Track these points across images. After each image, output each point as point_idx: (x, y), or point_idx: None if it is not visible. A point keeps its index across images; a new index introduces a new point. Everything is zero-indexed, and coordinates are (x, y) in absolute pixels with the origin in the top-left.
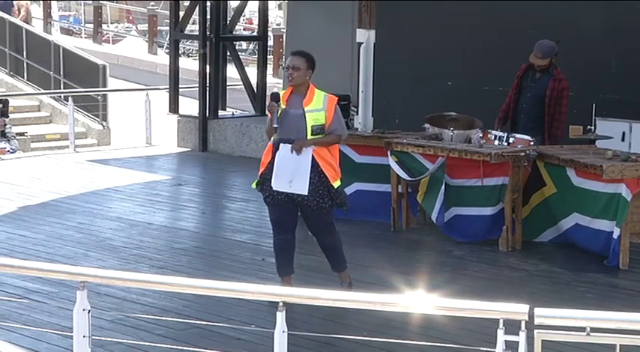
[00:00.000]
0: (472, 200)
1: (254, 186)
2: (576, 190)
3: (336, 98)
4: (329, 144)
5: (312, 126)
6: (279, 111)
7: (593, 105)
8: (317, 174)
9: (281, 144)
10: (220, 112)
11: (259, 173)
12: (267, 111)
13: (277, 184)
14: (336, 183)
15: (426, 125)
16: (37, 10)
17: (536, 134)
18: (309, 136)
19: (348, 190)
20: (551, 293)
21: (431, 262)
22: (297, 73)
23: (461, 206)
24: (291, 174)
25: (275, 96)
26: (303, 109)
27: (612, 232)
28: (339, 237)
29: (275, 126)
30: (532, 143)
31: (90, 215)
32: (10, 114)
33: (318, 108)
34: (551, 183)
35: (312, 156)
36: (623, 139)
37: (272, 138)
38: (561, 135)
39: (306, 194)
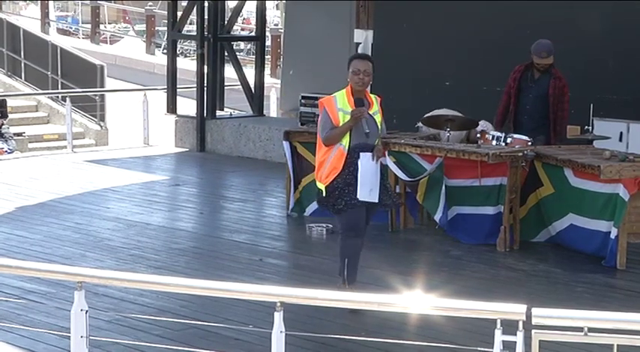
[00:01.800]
0: (470, 200)
1: (323, 190)
2: (573, 190)
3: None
4: None
5: (382, 129)
6: (342, 119)
7: (591, 106)
8: (381, 175)
9: (361, 154)
10: (218, 112)
11: (330, 179)
12: (349, 118)
13: (362, 194)
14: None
15: (419, 124)
16: (34, 11)
17: (541, 134)
18: (378, 139)
19: None
20: (549, 293)
21: (428, 262)
22: (368, 78)
23: (462, 205)
24: (373, 182)
25: (361, 102)
26: (369, 113)
27: (610, 232)
28: None
29: (367, 131)
30: (530, 143)
31: (88, 215)
32: (8, 115)
33: (377, 110)
34: (548, 183)
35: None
36: (620, 139)
37: (344, 144)
38: (566, 132)
39: (377, 202)
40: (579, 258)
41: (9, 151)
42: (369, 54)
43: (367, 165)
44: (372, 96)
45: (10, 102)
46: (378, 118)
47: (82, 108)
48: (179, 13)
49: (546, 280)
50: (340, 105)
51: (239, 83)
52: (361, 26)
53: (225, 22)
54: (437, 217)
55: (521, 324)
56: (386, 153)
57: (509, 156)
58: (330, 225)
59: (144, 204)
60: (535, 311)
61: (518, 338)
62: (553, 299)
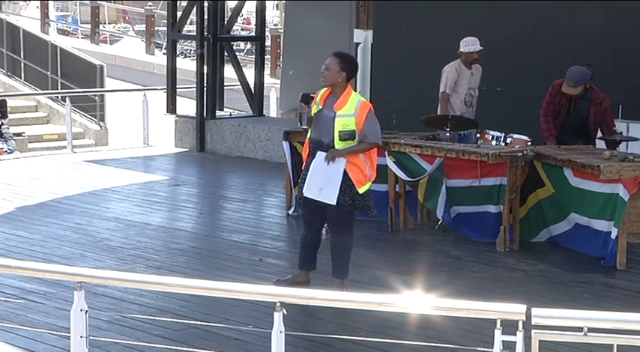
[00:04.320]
0: (471, 200)
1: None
2: (574, 190)
3: (370, 105)
4: (361, 152)
5: (339, 132)
6: (313, 111)
7: None
8: (345, 178)
9: (318, 152)
10: (218, 113)
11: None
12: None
13: (308, 191)
14: (362, 188)
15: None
16: (34, 11)
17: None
18: (337, 141)
19: None
20: (549, 293)
21: (428, 262)
22: (327, 73)
23: (462, 205)
24: (322, 182)
25: (305, 98)
26: (335, 112)
27: (610, 232)
28: (349, 244)
29: (304, 127)
30: (529, 143)
31: (87, 215)
32: (8, 115)
33: (349, 113)
34: (549, 183)
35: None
36: None
37: (308, 137)
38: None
39: (334, 204)
40: (579, 257)
41: (9, 151)
42: (369, 54)
43: (318, 164)
44: (354, 99)
45: (10, 103)
46: (344, 121)
47: (82, 108)
48: (179, 13)
49: (546, 280)
50: (318, 98)
51: (239, 83)
52: (361, 26)
53: (225, 22)
54: (439, 214)
55: (521, 324)
56: (386, 153)
57: (509, 156)
58: None
59: (144, 204)
60: (535, 311)
61: (518, 338)
62: (553, 299)
